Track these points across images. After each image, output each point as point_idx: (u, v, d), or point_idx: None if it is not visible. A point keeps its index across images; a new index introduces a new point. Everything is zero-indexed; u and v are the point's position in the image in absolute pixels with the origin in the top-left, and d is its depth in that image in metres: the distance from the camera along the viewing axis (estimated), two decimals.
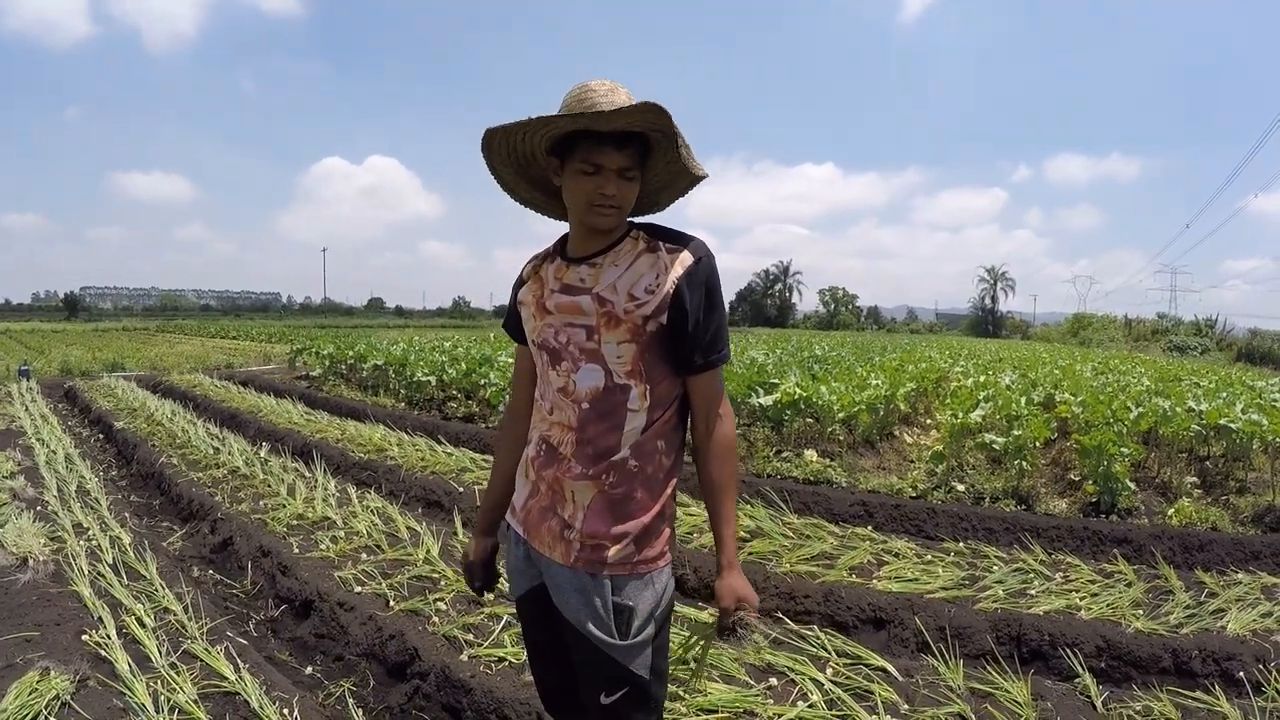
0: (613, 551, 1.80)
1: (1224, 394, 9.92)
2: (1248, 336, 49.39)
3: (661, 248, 1.80)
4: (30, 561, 4.36)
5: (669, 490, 1.87)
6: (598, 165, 1.72)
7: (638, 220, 1.91)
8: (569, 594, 1.83)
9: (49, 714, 2.87)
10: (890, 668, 3.45)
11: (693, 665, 2.07)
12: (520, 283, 1.99)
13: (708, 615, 3.73)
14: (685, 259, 1.78)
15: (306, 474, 6.93)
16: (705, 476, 1.89)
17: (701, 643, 2.11)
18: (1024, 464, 6.80)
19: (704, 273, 1.80)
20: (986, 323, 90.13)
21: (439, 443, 8.40)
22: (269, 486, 6.51)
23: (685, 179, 1.88)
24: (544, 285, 1.90)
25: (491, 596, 3.58)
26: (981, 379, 11.86)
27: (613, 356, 1.79)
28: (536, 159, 1.85)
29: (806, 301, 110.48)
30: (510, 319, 2.06)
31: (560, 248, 1.93)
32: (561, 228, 1.98)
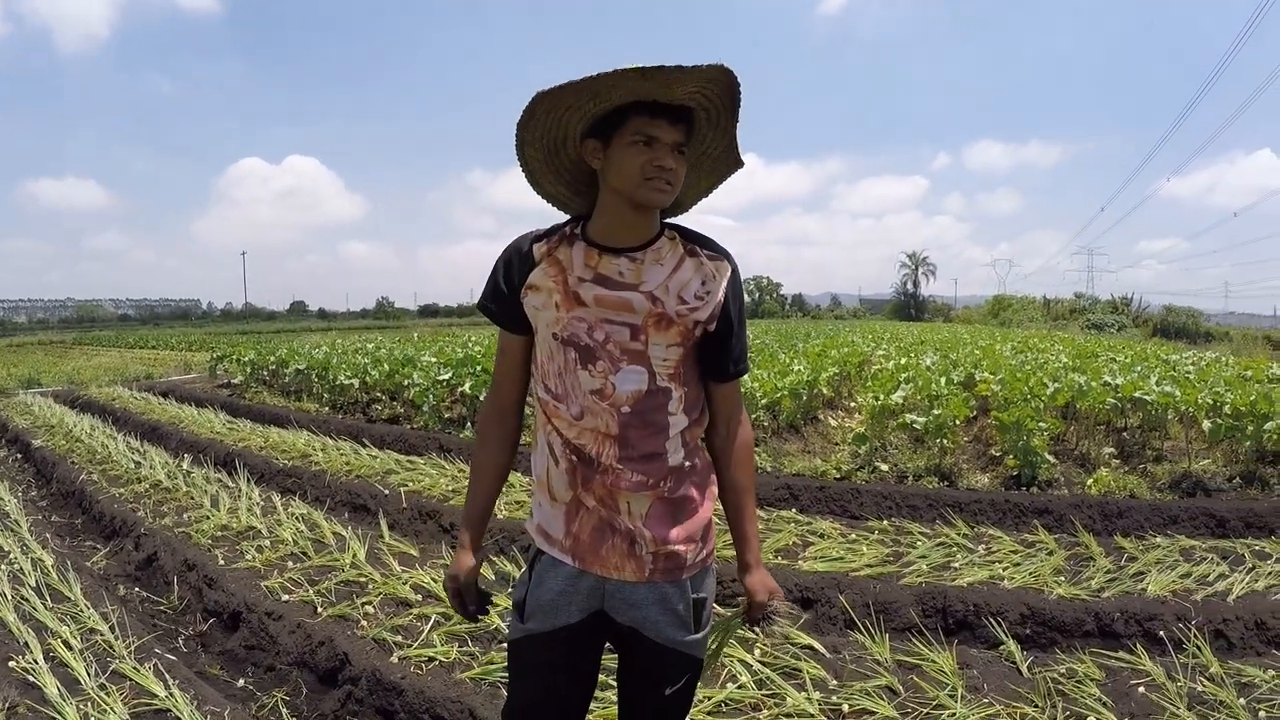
0: (687, 555, 1.77)
1: (1139, 368, 10.28)
2: (1162, 313, 51.12)
3: (700, 253, 1.75)
4: None
5: (713, 486, 1.86)
6: (652, 137, 1.62)
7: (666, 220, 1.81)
8: (647, 609, 1.77)
9: None
10: (818, 645, 3.53)
11: (712, 657, 2.07)
12: (527, 262, 1.77)
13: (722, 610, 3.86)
14: (726, 269, 1.75)
15: (230, 484, 6.81)
16: (729, 479, 1.87)
17: (723, 635, 2.06)
18: (945, 442, 7.00)
19: (739, 285, 1.79)
20: (909, 307, 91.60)
21: (363, 445, 8.28)
22: (192, 499, 6.38)
23: (713, 177, 1.85)
24: (566, 271, 1.73)
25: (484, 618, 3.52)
26: (903, 361, 12.12)
27: (659, 359, 1.71)
28: (568, 146, 1.72)
29: None
30: (503, 303, 1.81)
31: (578, 232, 1.77)
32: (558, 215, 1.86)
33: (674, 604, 1.76)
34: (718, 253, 1.77)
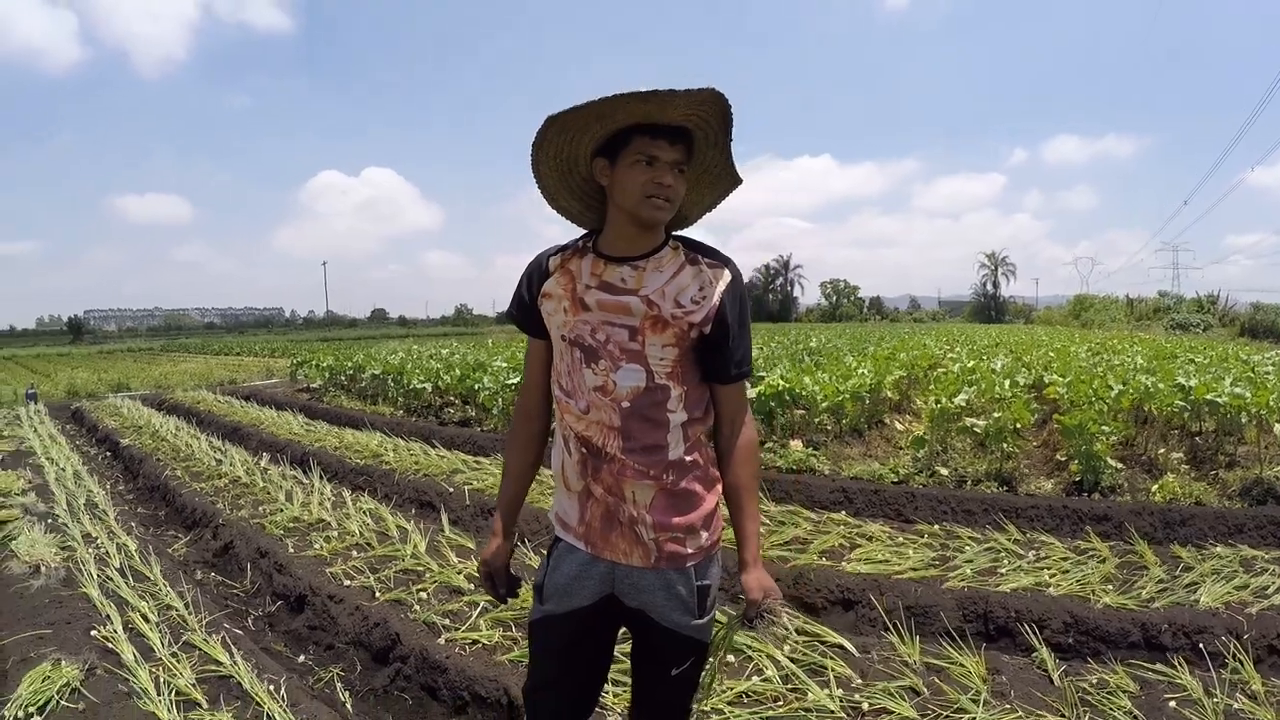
0: (690, 544, 1.89)
1: (1215, 369, 9.94)
2: (1250, 311, 49.07)
3: (701, 261, 1.88)
4: (43, 569, 4.58)
5: (719, 482, 1.96)
6: (654, 157, 1.76)
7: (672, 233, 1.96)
8: (653, 593, 1.90)
9: (60, 698, 3.10)
10: (848, 644, 3.57)
11: (715, 660, 2.19)
12: (543, 273, 1.95)
13: (719, 614, 3.92)
14: (726, 275, 1.87)
15: (304, 481, 7.15)
16: (732, 478, 1.96)
17: (724, 636, 2.14)
18: (1007, 446, 6.88)
19: (740, 290, 1.90)
20: (989, 308, 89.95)
21: (433, 447, 8.56)
22: (268, 493, 6.72)
23: (715, 192, 2.00)
24: (575, 280, 1.89)
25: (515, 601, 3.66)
26: (970, 364, 11.92)
27: (655, 358, 1.83)
28: (579, 165, 1.87)
29: (809, 295, 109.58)
30: (524, 310, 2.01)
31: (590, 245, 1.93)
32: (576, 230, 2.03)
33: (679, 590, 1.89)
34: (719, 261, 1.89)
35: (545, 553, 2.07)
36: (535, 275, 1.97)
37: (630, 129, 1.77)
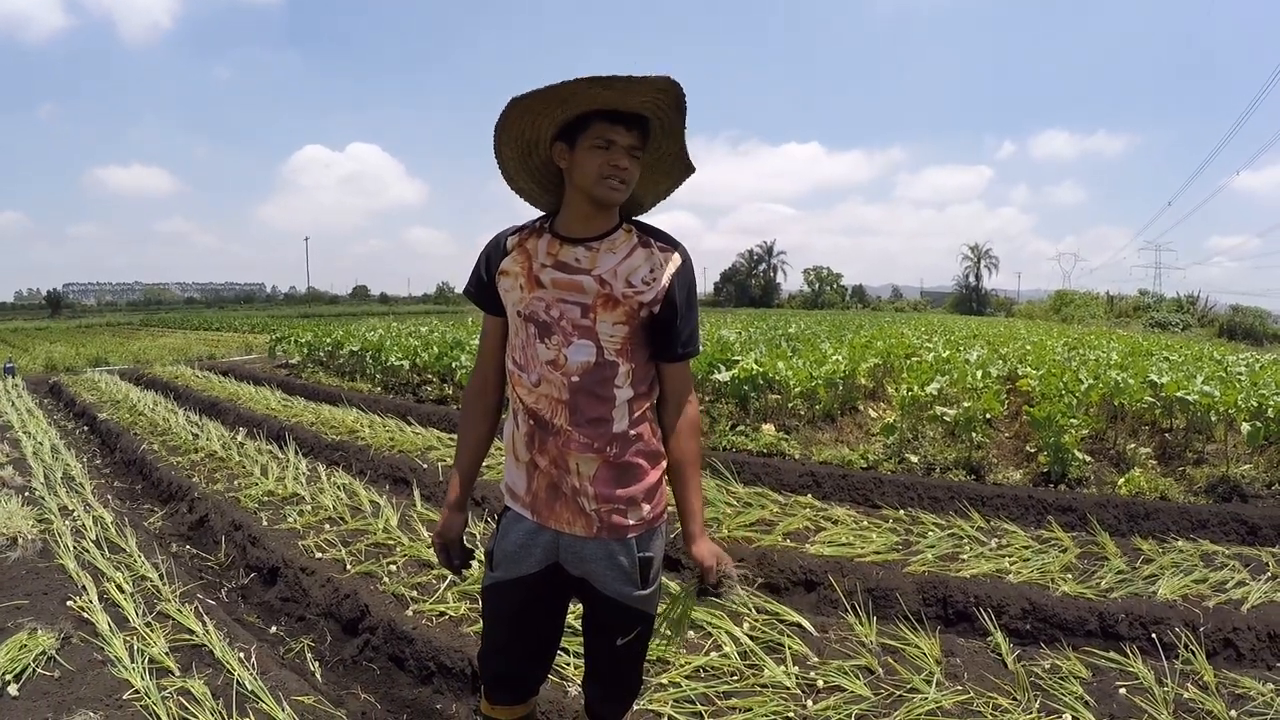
0: (632, 515, 1.96)
1: (1188, 368, 10.05)
2: (1229, 313, 49.56)
3: (653, 244, 1.96)
4: (19, 541, 4.60)
5: (663, 457, 2.04)
6: (610, 141, 1.84)
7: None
8: (595, 563, 1.97)
9: (36, 666, 3.15)
10: (806, 624, 3.64)
11: (673, 630, 2.25)
12: (502, 252, 2.02)
13: (676, 585, 3.90)
14: (676, 259, 1.96)
15: (280, 455, 7.19)
16: (676, 452, 2.04)
17: (683, 606, 2.19)
18: (976, 436, 6.96)
19: (689, 273, 1.99)
20: (971, 300, 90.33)
21: (409, 423, 8.65)
22: (244, 468, 6.77)
23: (669, 180, 2.07)
24: (532, 258, 1.96)
25: (470, 572, 3.67)
26: (945, 354, 11.98)
27: (606, 335, 1.91)
28: (539, 147, 1.93)
29: (791, 281, 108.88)
30: (481, 287, 2.08)
31: (546, 226, 2.01)
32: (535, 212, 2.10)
33: (620, 560, 1.98)
34: (670, 245, 1.99)
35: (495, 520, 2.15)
36: (494, 254, 2.05)
37: (590, 114, 1.84)
